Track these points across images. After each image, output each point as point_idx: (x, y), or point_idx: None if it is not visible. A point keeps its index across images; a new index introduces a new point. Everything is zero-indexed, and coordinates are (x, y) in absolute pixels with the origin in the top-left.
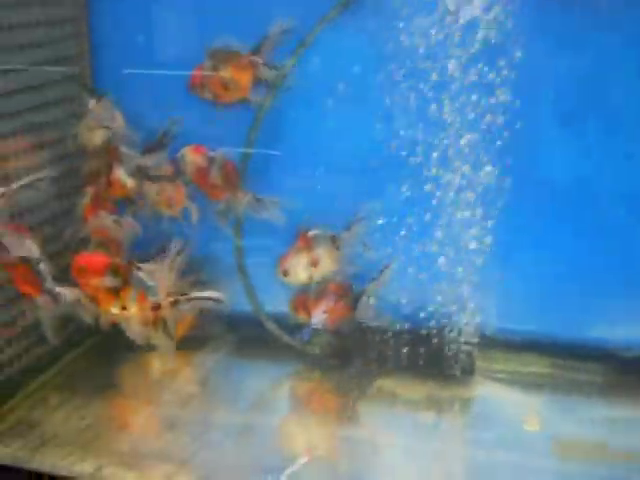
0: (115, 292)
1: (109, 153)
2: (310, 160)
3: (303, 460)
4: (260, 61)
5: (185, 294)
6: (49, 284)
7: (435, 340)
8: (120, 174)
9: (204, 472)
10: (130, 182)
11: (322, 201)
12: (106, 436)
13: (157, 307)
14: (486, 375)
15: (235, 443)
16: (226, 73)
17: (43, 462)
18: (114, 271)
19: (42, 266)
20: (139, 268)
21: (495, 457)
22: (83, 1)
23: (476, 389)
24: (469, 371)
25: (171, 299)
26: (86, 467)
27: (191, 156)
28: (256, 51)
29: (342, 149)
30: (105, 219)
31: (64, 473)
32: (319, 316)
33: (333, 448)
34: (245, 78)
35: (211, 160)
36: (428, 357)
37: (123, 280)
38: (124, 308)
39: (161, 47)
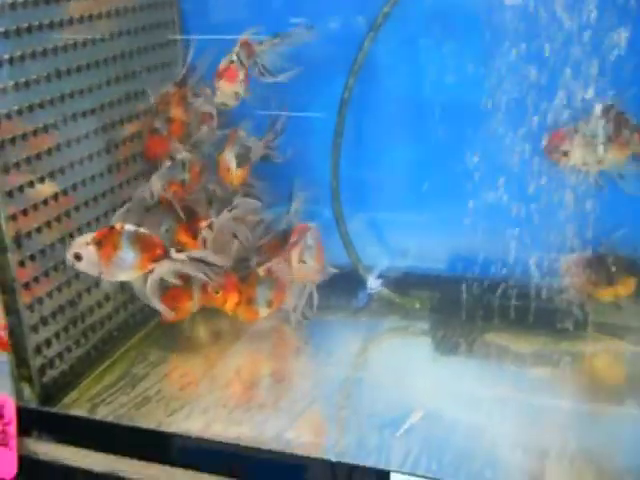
0: None
1: None
2: None
3: (418, 415)
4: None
5: None
6: None
7: (546, 292)
8: None
9: (316, 426)
10: None
11: None
12: (211, 392)
13: None
14: (599, 329)
15: (344, 398)
16: None
17: (149, 419)
18: None
19: None
20: None
21: (611, 411)
22: None
23: (589, 343)
24: (582, 325)
25: None
26: (194, 424)
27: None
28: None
29: None
30: None
31: (172, 430)
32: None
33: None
34: None
35: None
36: (539, 310)
37: None
38: None
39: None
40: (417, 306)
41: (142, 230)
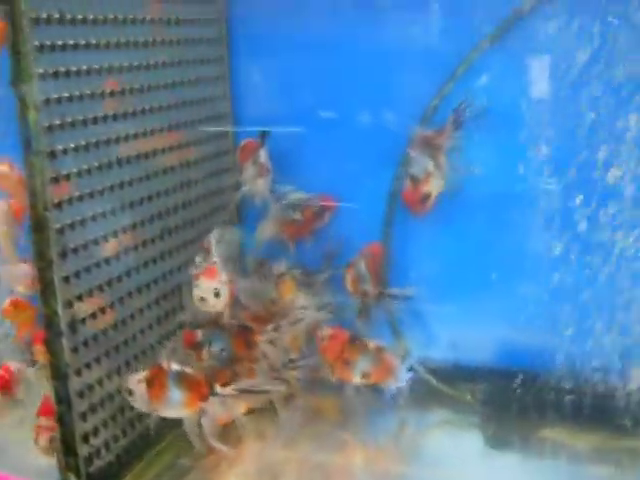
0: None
1: None
2: None
3: None
4: None
5: None
6: None
7: (602, 388)
8: None
9: None
10: None
11: None
12: None
13: None
14: None
15: None
16: None
17: None
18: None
19: None
20: None
21: None
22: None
23: None
24: None
25: None
26: None
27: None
28: None
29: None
30: None
31: None
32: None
33: None
34: None
35: None
36: (595, 406)
37: None
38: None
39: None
40: (468, 398)
41: (187, 370)
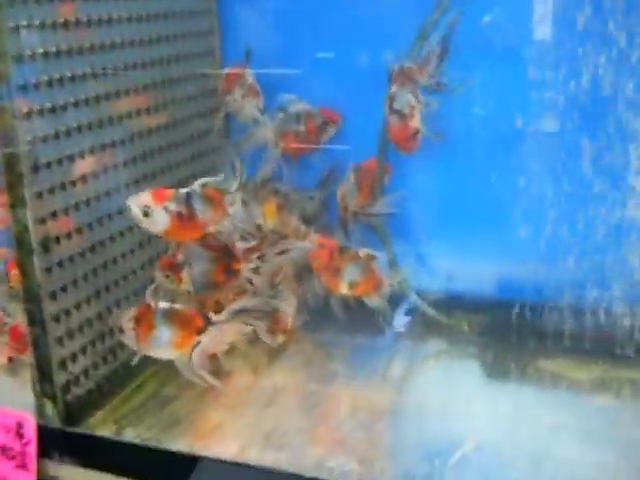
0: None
1: None
2: None
3: (470, 445)
4: None
5: None
6: None
7: (603, 316)
8: None
9: (361, 455)
10: None
11: None
12: (247, 415)
13: None
14: None
15: (388, 424)
16: None
17: (177, 442)
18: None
19: None
20: None
21: None
22: None
23: None
24: None
25: None
26: (228, 448)
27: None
28: None
29: None
30: None
31: (203, 454)
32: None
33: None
34: None
35: None
36: (595, 335)
37: None
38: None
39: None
40: (465, 328)
41: (177, 306)
